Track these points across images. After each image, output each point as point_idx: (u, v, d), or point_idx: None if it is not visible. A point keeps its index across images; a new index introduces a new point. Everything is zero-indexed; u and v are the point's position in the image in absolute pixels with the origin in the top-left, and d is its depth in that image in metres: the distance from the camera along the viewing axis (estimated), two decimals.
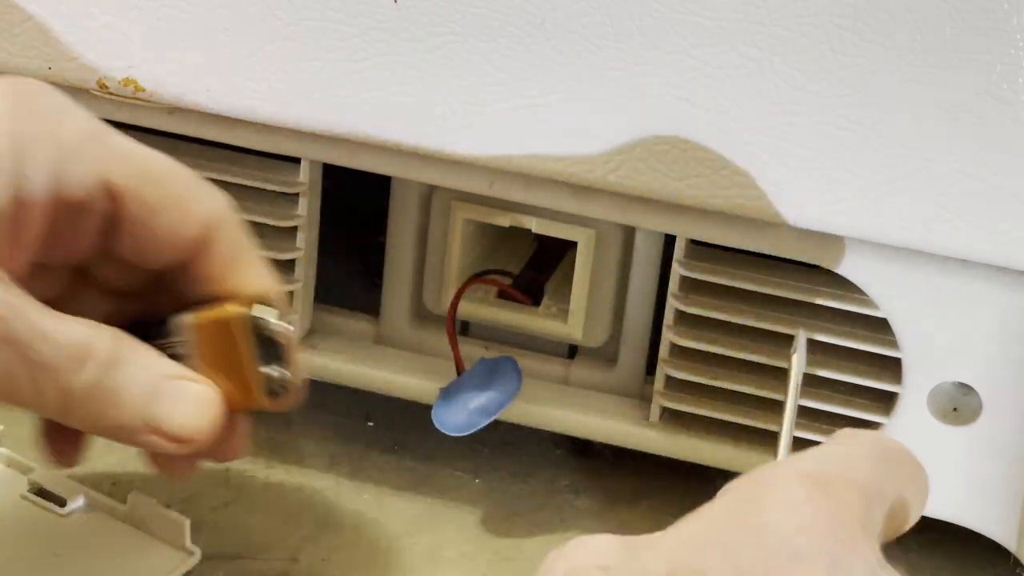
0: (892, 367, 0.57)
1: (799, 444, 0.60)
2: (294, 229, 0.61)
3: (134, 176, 0.48)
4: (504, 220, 0.60)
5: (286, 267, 0.62)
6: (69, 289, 0.51)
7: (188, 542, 0.56)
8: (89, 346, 0.46)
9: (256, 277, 0.50)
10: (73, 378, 0.45)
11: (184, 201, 0.49)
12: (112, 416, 0.46)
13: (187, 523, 0.56)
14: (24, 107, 0.47)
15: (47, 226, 0.47)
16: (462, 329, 0.63)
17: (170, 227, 0.48)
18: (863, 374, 0.58)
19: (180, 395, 0.48)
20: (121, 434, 0.47)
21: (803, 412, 0.59)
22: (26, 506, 0.58)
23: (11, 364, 0.45)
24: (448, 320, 0.60)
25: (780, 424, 0.60)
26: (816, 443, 0.59)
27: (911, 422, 0.57)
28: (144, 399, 0.47)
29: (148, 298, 0.51)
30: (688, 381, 0.60)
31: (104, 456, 0.60)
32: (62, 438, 0.52)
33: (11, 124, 0.46)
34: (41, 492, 0.58)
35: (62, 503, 0.58)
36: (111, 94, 0.58)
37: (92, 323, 0.47)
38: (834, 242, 0.55)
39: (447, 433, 0.59)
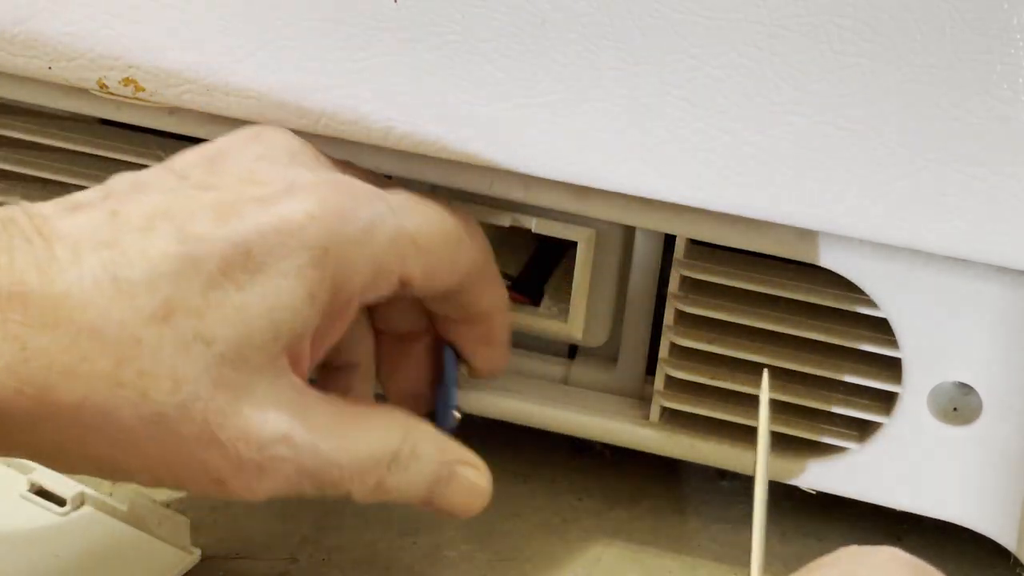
0: (892, 367, 0.57)
1: (799, 443, 0.60)
2: None
3: (426, 261, 0.50)
4: (504, 220, 0.60)
5: None
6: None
7: (188, 542, 0.56)
8: (377, 459, 0.48)
9: (496, 292, 0.56)
10: (358, 486, 0.48)
11: (455, 262, 0.52)
12: (398, 498, 0.50)
13: (187, 523, 0.56)
14: (338, 236, 0.47)
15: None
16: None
17: (443, 282, 0.52)
18: (863, 374, 0.58)
19: (458, 484, 0.51)
20: (401, 501, 0.51)
21: (803, 412, 0.59)
22: (26, 506, 0.58)
23: (302, 486, 0.47)
24: None
25: (782, 424, 0.60)
26: (816, 443, 0.59)
27: (911, 422, 0.57)
28: (424, 487, 0.50)
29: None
30: (688, 381, 0.60)
31: None
32: None
33: (327, 263, 0.47)
34: (41, 492, 0.58)
35: (62, 503, 0.58)
36: (111, 94, 0.58)
37: (384, 419, 0.49)
38: (834, 242, 0.55)
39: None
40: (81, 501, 0.58)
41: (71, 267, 0.44)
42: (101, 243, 0.45)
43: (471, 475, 0.52)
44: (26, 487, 0.59)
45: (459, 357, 0.58)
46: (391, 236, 0.49)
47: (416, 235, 0.50)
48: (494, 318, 0.56)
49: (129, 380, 0.44)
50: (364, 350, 0.56)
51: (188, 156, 0.51)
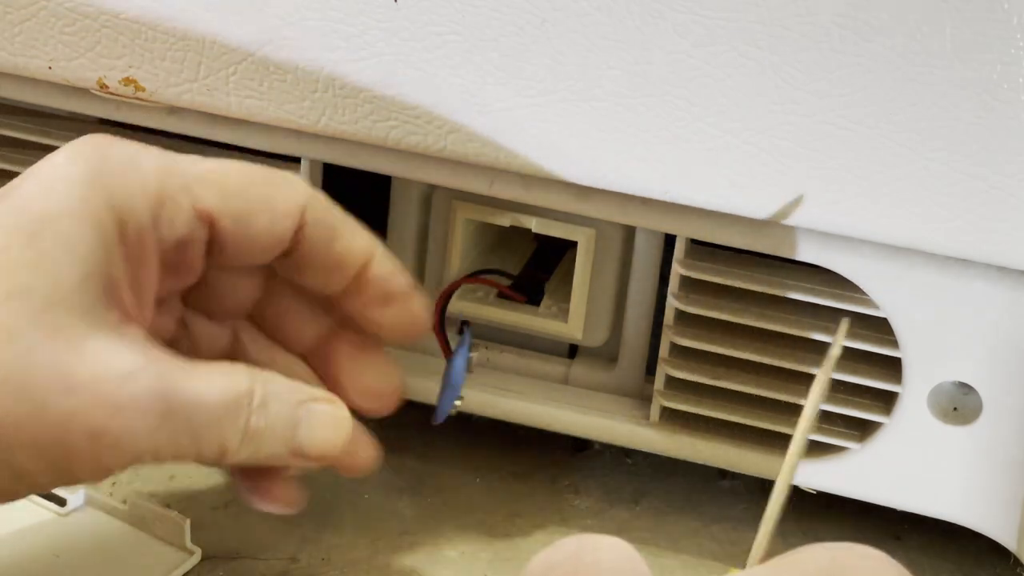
0: (892, 367, 0.57)
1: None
2: None
3: (217, 195, 0.50)
4: (504, 220, 0.60)
5: None
6: (183, 312, 0.53)
7: (188, 542, 0.56)
8: (237, 396, 0.48)
9: (359, 240, 0.52)
10: (229, 431, 0.48)
11: (270, 200, 0.50)
12: (263, 451, 0.49)
13: (187, 523, 0.56)
14: (101, 169, 0.48)
15: (160, 271, 0.49)
16: (461, 329, 0.63)
17: (265, 228, 0.50)
18: (863, 374, 0.58)
19: (316, 420, 0.50)
20: (267, 461, 0.50)
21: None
22: (26, 506, 0.58)
23: (175, 434, 0.46)
24: (435, 316, 0.60)
25: (782, 424, 0.60)
26: (816, 443, 0.59)
27: (911, 422, 0.57)
28: (287, 430, 0.49)
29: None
30: (688, 381, 0.60)
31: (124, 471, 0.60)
32: (251, 478, 0.54)
33: (99, 190, 0.47)
34: None
35: (62, 503, 0.58)
36: (111, 94, 0.58)
37: (227, 366, 0.48)
38: (834, 242, 0.55)
39: (437, 423, 0.59)
40: (82, 501, 0.58)
41: None
42: None
43: (328, 408, 0.51)
44: None
45: (452, 343, 0.58)
46: (161, 166, 0.49)
47: (205, 172, 0.50)
48: (371, 266, 0.53)
49: None
50: (245, 297, 0.54)
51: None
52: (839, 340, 0.50)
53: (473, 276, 0.62)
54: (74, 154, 0.48)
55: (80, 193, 0.47)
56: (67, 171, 0.47)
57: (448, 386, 0.59)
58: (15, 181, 0.48)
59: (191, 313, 0.53)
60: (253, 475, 0.53)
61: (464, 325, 0.61)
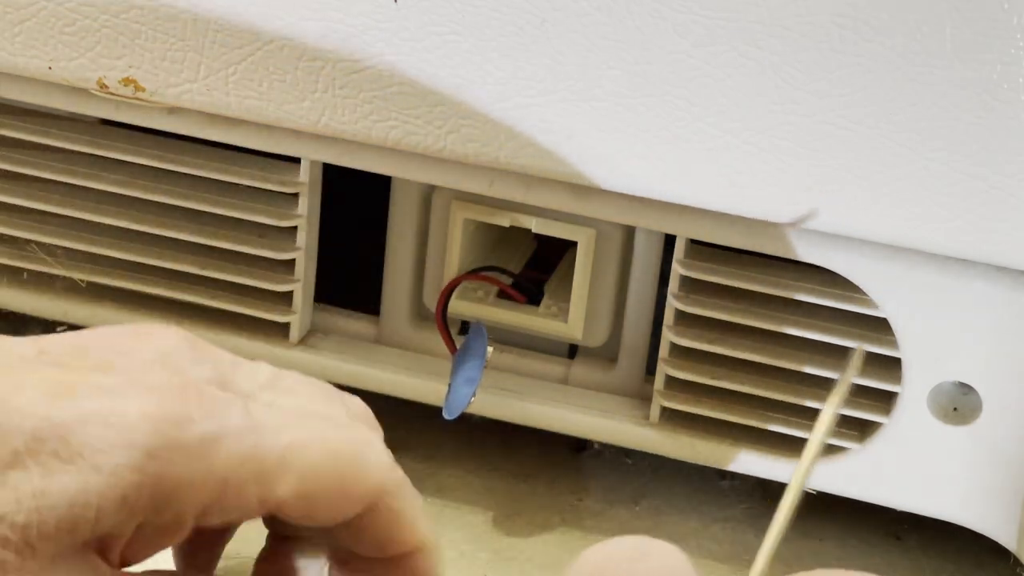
0: (892, 367, 0.57)
1: (800, 443, 0.60)
2: (294, 229, 0.61)
3: (293, 483, 0.43)
4: (504, 220, 0.60)
5: (286, 267, 0.62)
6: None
7: None
8: None
9: (416, 534, 0.45)
10: None
11: (344, 486, 0.44)
12: None
13: None
14: (171, 439, 0.41)
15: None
16: (462, 329, 0.63)
17: (327, 514, 0.44)
18: (863, 374, 0.58)
19: None
20: None
21: (803, 412, 0.59)
22: None
23: None
24: (437, 311, 0.60)
25: (782, 424, 0.60)
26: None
27: (911, 422, 0.57)
28: None
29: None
30: (688, 381, 0.60)
31: None
32: None
33: (154, 466, 0.41)
34: None
35: None
36: (111, 94, 0.58)
37: None
38: (834, 242, 0.55)
39: (450, 418, 0.59)
40: None
41: None
42: None
43: None
44: None
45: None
46: (242, 453, 0.42)
47: (287, 453, 0.43)
48: (416, 564, 0.45)
49: None
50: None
51: (61, 338, 0.44)
52: (850, 373, 0.48)
53: (474, 273, 0.62)
54: (154, 411, 0.41)
55: (126, 459, 0.40)
56: (134, 426, 0.41)
57: (466, 380, 0.59)
58: (87, 381, 0.42)
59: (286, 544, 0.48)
60: None
61: (478, 323, 0.61)
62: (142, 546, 0.42)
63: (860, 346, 0.52)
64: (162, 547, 0.43)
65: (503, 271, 0.63)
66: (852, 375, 0.48)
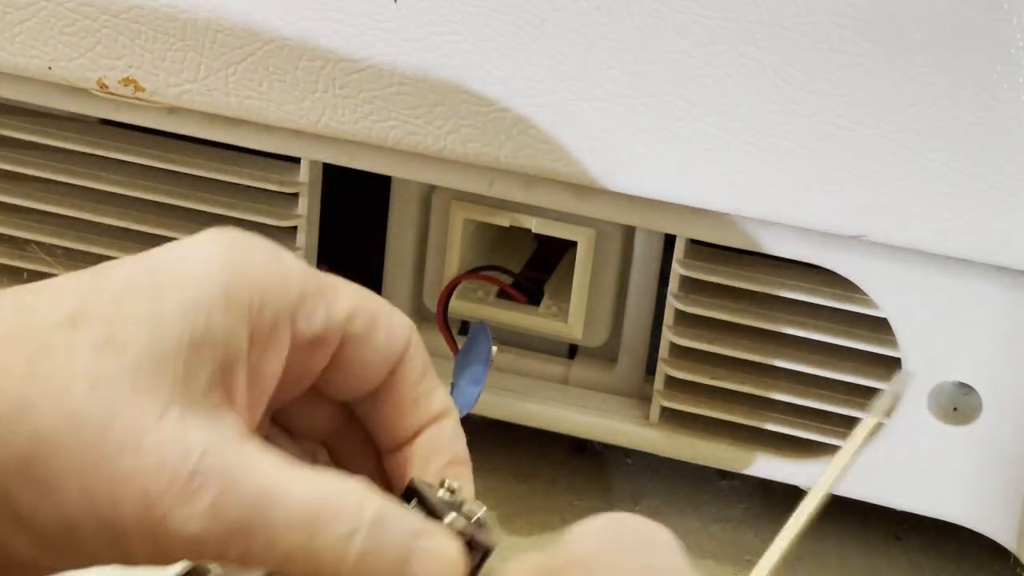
0: (892, 367, 0.57)
1: (800, 443, 0.60)
2: (294, 229, 0.61)
3: (349, 300, 0.47)
4: (504, 220, 0.60)
5: None
6: (268, 430, 0.50)
7: None
8: (336, 507, 0.44)
9: (438, 399, 0.49)
10: (318, 545, 0.43)
11: (390, 316, 0.48)
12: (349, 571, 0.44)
13: None
14: (245, 252, 0.45)
15: (282, 372, 0.46)
16: (462, 329, 0.63)
17: (383, 343, 0.48)
18: (863, 374, 0.58)
19: (431, 557, 0.46)
20: None
21: (803, 412, 0.60)
22: None
23: (234, 529, 0.43)
24: (438, 312, 0.60)
25: (782, 424, 0.60)
26: (816, 443, 0.59)
27: (911, 422, 0.57)
28: (399, 562, 0.45)
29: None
30: (688, 381, 0.60)
31: None
32: None
33: (240, 268, 0.45)
34: None
35: None
36: (111, 94, 0.58)
37: (342, 475, 0.45)
38: (834, 242, 0.55)
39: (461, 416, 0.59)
40: None
41: None
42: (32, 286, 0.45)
43: (444, 548, 0.47)
44: None
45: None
46: (305, 268, 0.47)
47: (337, 282, 0.48)
48: (447, 420, 0.50)
49: (46, 375, 0.42)
50: (323, 427, 0.51)
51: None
52: (879, 411, 0.48)
53: (474, 272, 0.62)
54: (217, 233, 0.46)
55: (217, 267, 0.45)
56: (208, 247, 0.45)
57: (473, 380, 0.59)
58: (154, 250, 0.46)
59: (275, 430, 0.50)
60: None
61: (481, 322, 0.60)
62: (255, 377, 0.45)
63: (892, 389, 0.50)
64: (270, 376, 0.46)
65: (503, 271, 0.63)
66: (883, 412, 0.47)
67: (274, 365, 0.46)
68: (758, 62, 0.52)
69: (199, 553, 0.43)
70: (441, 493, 0.47)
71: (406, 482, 0.48)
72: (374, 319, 0.48)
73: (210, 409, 0.44)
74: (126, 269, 0.45)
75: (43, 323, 0.43)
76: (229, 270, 0.45)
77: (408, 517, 0.46)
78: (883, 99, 0.51)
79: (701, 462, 0.61)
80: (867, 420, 0.45)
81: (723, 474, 0.64)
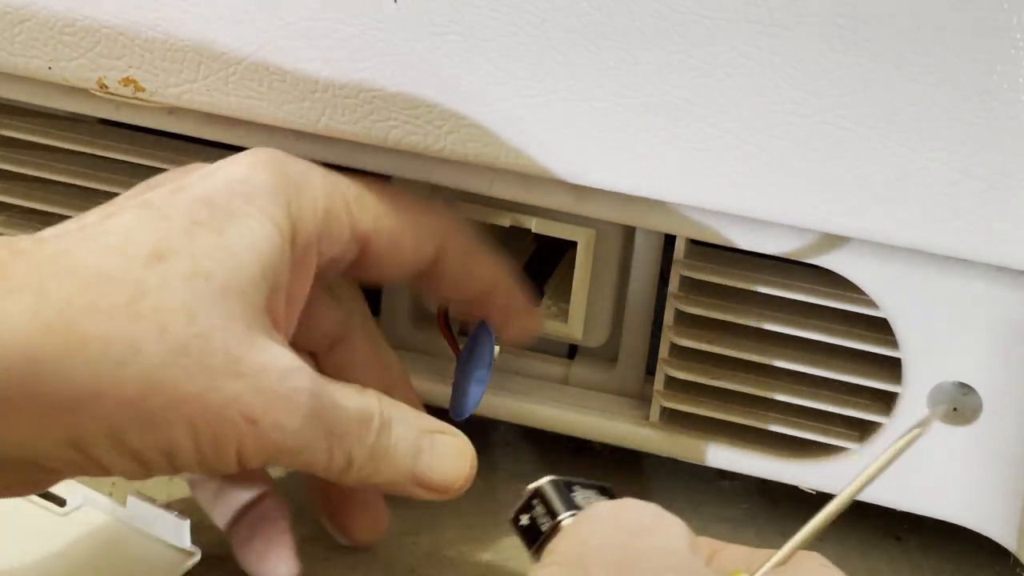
0: (892, 367, 0.57)
1: (799, 443, 0.60)
2: None
3: (372, 216, 0.53)
4: (504, 220, 0.60)
5: None
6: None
7: (188, 543, 0.56)
8: (369, 412, 0.50)
9: (490, 267, 0.56)
10: (358, 443, 0.50)
11: (417, 225, 0.54)
12: (385, 473, 0.51)
13: (187, 523, 0.56)
14: (283, 180, 0.50)
15: (312, 286, 0.52)
16: (462, 329, 0.63)
17: (411, 249, 0.54)
18: (863, 374, 0.58)
19: (441, 449, 0.52)
20: (388, 488, 0.52)
21: (803, 412, 0.60)
22: (26, 505, 0.58)
23: (316, 436, 0.48)
24: (439, 314, 0.60)
25: (782, 424, 0.60)
26: (816, 443, 0.59)
27: (911, 422, 0.57)
28: (411, 456, 0.51)
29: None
30: (688, 381, 0.60)
31: None
32: (341, 512, 0.57)
33: (281, 198, 0.50)
34: (42, 492, 0.58)
35: (62, 503, 0.58)
36: (111, 94, 0.58)
37: (358, 387, 0.51)
38: (834, 242, 0.55)
39: (459, 419, 0.59)
40: (82, 501, 0.58)
41: (55, 239, 0.47)
42: (72, 225, 0.49)
43: (453, 440, 0.53)
44: None
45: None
46: (329, 183, 0.52)
47: (362, 192, 0.53)
48: (498, 289, 0.57)
49: (146, 313, 0.46)
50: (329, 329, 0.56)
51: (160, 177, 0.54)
52: (897, 448, 0.50)
53: None
54: (256, 161, 0.51)
55: (265, 198, 0.49)
56: (252, 175, 0.50)
57: (476, 381, 0.59)
58: (194, 176, 0.50)
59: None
60: (340, 507, 0.56)
61: (482, 323, 0.60)
62: (291, 301, 0.50)
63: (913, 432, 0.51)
64: (302, 298, 0.51)
65: None
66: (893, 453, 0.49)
67: (304, 287, 0.51)
68: (758, 62, 0.52)
69: (278, 459, 0.48)
70: None
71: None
72: (397, 235, 0.53)
73: (269, 331, 0.49)
74: (183, 201, 0.49)
75: (132, 260, 0.47)
76: (273, 200, 0.49)
77: (418, 418, 0.52)
78: (883, 99, 0.51)
79: (701, 462, 0.61)
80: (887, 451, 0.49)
81: (723, 474, 0.64)
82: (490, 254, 0.57)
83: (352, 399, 0.50)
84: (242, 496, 0.55)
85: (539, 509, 0.49)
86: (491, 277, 0.57)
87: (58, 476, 0.50)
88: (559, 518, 0.48)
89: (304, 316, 0.52)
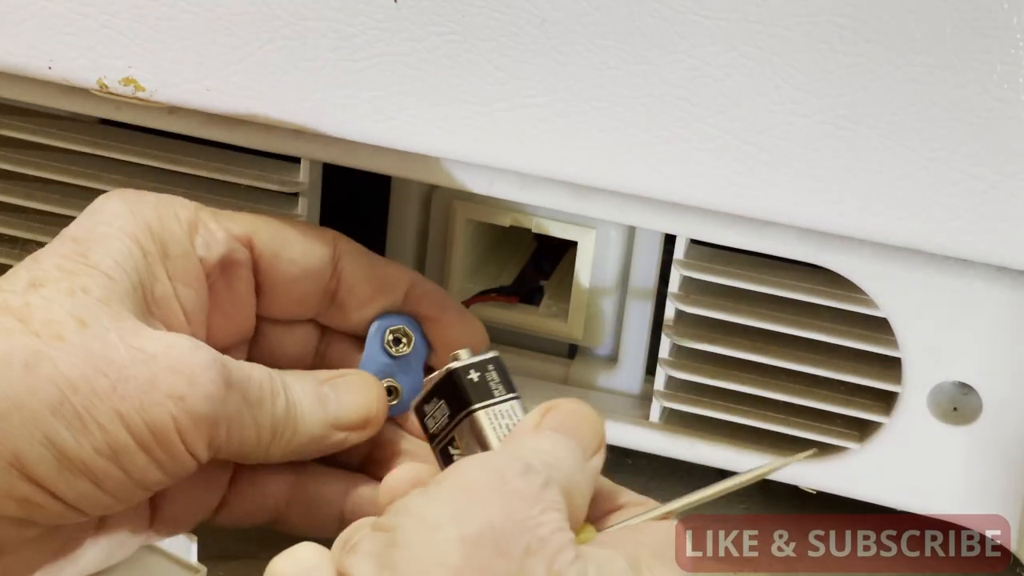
0: (892, 367, 0.57)
1: (799, 443, 0.60)
2: None
3: (249, 222, 0.55)
4: (504, 220, 0.60)
5: None
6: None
7: (195, 560, 0.56)
8: (268, 377, 0.52)
9: (395, 266, 0.57)
10: (272, 407, 0.52)
11: (303, 229, 0.56)
12: (304, 430, 0.53)
13: (194, 541, 0.56)
14: (140, 202, 0.53)
15: (212, 301, 0.54)
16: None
17: (302, 252, 0.55)
18: (863, 374, 0.58)
19: (343, 387, 0.55)
20: (317, 445, 0.54)
21: (803, 412, 0.59)
22: None
23: (239, 406, 0.50)
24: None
25: (782, 424, 0.60)
26: (816, 443, 0.59)
27: (911, 422, 0.57)
28: (319, 405, 0.53)
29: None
30: (688, 381, 0.60)
31: None
32: None
33: (139, 218, 0.53)
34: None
35: None
36: (111, 94, 0.58)
37: (248, 363, 0.52)
38: (834, 242, 0.55)
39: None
40: None
41: None
42: None
43: (353, 376, 0.55)
44: None
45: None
46: (191, 204, 0.54)
47: (233, 212, 0.55)
48: (416, 286, 0.57)
49: (40, 328, 0.48)
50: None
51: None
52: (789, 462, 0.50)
53: (484, 295, 0.62)
54: (114, 194, 0.53)
55: (123, 221, 0.52)
56: (110, 205, 0.53)
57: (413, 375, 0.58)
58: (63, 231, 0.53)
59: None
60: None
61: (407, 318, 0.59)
62: (183, 302, 0.53)
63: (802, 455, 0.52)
64: (196, 302, 0.53)
65: (506, 290, 0.63)
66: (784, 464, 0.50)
67: (197, 292, 0.53)
68: (758, 62, 0.52)
69: (217, 437, 0.50)
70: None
71: None
72: (283, 235, 0.55)
73: (163, 327, 0.51)
74: (49, 246, 0.51)
75: (11, 294, 0.49)
76: (132, 220, 0.52)
77: (309, 374, 0.54)
78: (883, 99, 0.51)
79: (701, 462, 0.61)
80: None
81: (723, 474, 0.64)
82: (391, 261, 0.58)
83: (252, 369, 0.51)
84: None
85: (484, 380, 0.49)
86: (401, 274, 0.57)
87: (15, 533, 0.49)
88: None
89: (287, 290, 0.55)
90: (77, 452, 0.47)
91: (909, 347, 0.56)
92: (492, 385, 0.50)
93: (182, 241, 0.53)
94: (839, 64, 0.51)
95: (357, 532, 0.44)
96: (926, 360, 0.56)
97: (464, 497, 0.43)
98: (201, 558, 0.56)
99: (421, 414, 0.51)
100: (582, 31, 0.53)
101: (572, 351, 0.64)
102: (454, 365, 0.50)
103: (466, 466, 0.44)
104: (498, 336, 0.64)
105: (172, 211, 0.53)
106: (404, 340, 0.57)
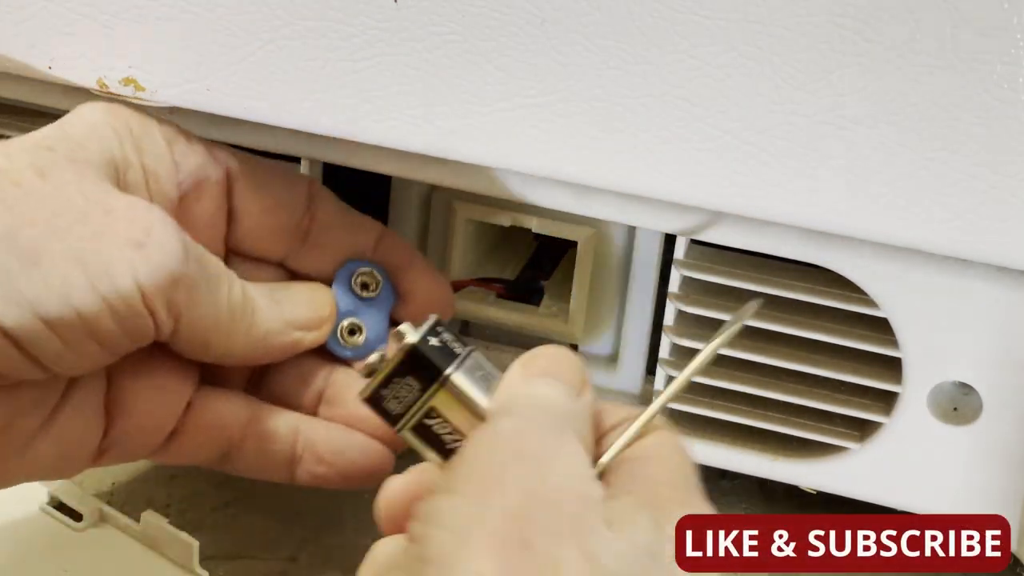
0: (892, 367, 0.57)
1: (799, 443, 0.60)
2: None
3: (230, 154, 0.56)
4: (504, 220, 0.60)
5: None
6: None
7: (196, 564, 0.56)
8: (225, 267, 0.53)
9: (370, 222, 0.58)
10: (229, 289, 0.52)
11: (282, 167, 0.57)
12: (261, 323, 0.53)
13: (196, 546, 0.56)
14: (122, 107, 0.54)
15: (181, 213, 0.54)
16: (462, 329, 0.63)
17: (279, 185, 0.56)
18: (863, 374, 0.58)
19: (296, 290, 0.56)
20: (275, 342, 0.54)
21: (804, 412, 0.60)
22: (43, 518, 0.58)
23: (196, 269, 0.50)
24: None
25: (782, 424, 0.60)
26: (816, 443, 0.59)
27: (911, 422, 0.57)
28: (275, 304, 0.54)
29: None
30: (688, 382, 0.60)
31: (126, 470, 0.60)
32: None
33: (120, 115, 0.53)
34: (60, 506, 0.59)
35: (79, 518, 0.58)
36: (111, 94, 0.58)
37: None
38: (834, 242, 0.55)
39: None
40: (99, 517, 0.58)
41: None
42: None
43: (302, 284, 0.56)
44: (46, 500, 0.59)
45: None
46: (166, 120, 0.55)
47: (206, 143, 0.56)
48: (386, 238, 0.57)
49: None
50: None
51: None
52: (741, 318, 0.49)
53: (474, 280, 0.62)
54: (90, 105, 0.54)
55: (102, 113, 0.53)
56: (89, 105, 0.54)
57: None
58: None
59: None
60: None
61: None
62: (163, 197, 0.54)
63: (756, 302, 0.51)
64: (169, 201, 0.54)
65: (500, 281, 0.63)
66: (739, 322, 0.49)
67: (168, 195, 0.53)
68: (758, 62, 0.52)
69: (175, 294, 0.49)
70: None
71: None
72: (261, 166, 0.56)
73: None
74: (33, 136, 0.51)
75: None
76: (112, 114, 0.53)
77: (264, 284, 0.55)
78: (883, 99, 0.51)
79: (701, 462, 0.61)
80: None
81: (723, 474, 0.64)
82: (347, 210, 0.58)
83: (208, 252, 0.52)
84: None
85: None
86: (373, 223, 0.58)
87: None
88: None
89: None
90: (28, 286, 0.46)
91: (909, 347, 0.56)
92: (452, 345, 0.49)
93: (159, 143, 0.54)
94: (839, 64, 0.51)
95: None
96: (926, 360, 0.56)
97: (484, 488, 0.42)
98: (201, 558, 0.56)
99: (377, 400, 0.48)
100: (582, 31, 0.53)
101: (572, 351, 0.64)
102: (412, 339, 0.47)
103: (475, 451, 0.43)
104: (498, 336, 0.64)
105: (153, 121, 0.54)
106: (371, 285, 0.57)
